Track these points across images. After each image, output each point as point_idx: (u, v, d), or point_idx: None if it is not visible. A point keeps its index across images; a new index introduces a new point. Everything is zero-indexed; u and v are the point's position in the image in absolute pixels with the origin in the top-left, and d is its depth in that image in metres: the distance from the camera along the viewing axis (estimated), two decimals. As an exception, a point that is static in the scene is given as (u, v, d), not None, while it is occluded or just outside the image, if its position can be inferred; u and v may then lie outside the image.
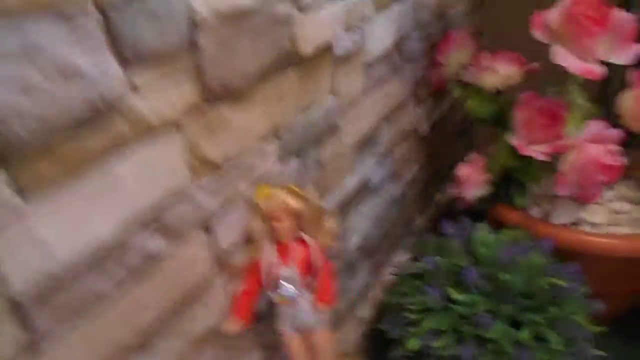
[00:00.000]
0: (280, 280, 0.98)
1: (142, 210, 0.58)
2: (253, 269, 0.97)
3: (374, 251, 1.53)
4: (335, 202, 1.26)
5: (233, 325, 0.91)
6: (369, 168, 1.35)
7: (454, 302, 1.17)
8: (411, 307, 1.23)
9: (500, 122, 1.40)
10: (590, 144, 1.11)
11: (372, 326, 1.48)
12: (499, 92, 1.49)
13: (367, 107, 1.26)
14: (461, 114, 2.02)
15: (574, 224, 1.32)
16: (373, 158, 1.35)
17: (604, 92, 1.39)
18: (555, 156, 1.16)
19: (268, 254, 0.96)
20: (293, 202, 0.93)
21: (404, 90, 1.49)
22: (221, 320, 0.87)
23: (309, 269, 1.01)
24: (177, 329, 0.72)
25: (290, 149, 0.96)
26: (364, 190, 1.38)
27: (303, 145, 0.99)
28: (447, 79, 1.69)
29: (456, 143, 1.98)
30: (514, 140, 1.31)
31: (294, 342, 1.11)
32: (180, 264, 0.71)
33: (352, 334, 1.41)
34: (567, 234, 1.23)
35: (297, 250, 0.98)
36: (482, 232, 1.29)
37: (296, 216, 0.94)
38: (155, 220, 0.61)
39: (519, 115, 1.30)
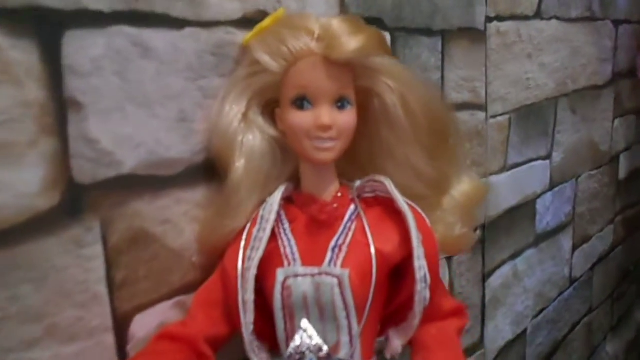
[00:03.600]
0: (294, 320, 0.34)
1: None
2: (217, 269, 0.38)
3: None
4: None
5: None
6: (534, 177, 0.82)
7: None
8: None
9: None
10: None
11: None
12: None
13: (539, 47, 0.76)
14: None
15: None
16: (541, 159, 0.83)
17: None
18: None
19: (264, 226, 0.36)
20: (356, 43, 0.34)
21: (600, 65, 0.96)
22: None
23: (384, 292, 0.37)
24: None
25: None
26: (524, 220, 0.81)
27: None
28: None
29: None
30: None
31: None
32: None
33: None
34: None
35: (358, 231, 0.36)
36: None
37: (369, 110, 0.37)
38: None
39: None
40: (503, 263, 0.74)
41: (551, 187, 0.85)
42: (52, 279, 0.30)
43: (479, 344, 0.71)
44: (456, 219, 0.39)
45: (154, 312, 0.35)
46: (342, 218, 0.35)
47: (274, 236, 0.35)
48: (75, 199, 0.30)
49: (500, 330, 0.76)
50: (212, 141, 0.36)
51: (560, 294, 0.94)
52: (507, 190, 0.72)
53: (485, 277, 0.71)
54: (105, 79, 0.31)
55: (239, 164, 0.35)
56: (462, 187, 0.40)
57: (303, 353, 0.31)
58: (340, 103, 0.34)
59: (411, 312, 0.34)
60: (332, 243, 0.33)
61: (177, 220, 0.35)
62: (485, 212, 0.68)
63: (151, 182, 0.34)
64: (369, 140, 0.37)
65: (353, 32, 0.33)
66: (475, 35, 0.62)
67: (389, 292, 0.36)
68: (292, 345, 0.32)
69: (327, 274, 0.32)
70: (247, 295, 0.33)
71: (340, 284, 0.32)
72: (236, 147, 0.35)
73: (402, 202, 0.34)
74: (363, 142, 0.37)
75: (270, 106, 0.36)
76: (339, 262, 0.33)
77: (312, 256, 0.33)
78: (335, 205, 0.35)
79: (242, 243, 0.34)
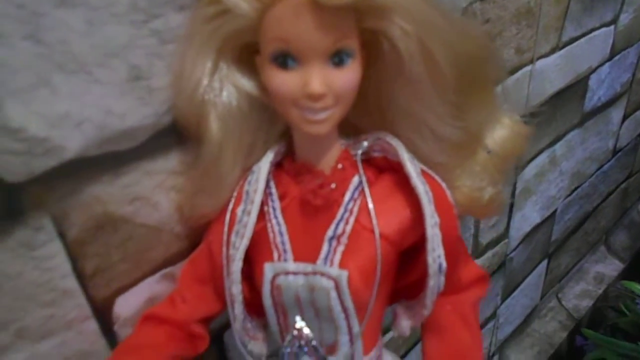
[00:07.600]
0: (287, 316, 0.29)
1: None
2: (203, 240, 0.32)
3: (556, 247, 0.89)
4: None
5: None
6: (593, 50, 0.67)
7: None
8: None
9: None
10: None
11: None
12: None
13: None
14: None
15: None
16: (604, 27, 0.67)
17: None
18: None
19: (249, 209, 0.29)
20: None
21: None
22: None
23: (391, 279, 0.31)
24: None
25: None
26: (571, 101, 0.69)
27: None
28: None
29: None
30: None
31: None
32: None
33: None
34: None
35: (361, 212, 0.28)
36: None
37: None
38: None
39: None
40: (539, 153, 0.67)
41: (611, 56, 0.72)
42: (7, 287, 0.26)
43: (504, 235, 0.69)
44: (487, 181, 0.32)
45: (138, 290, 0.32)
46: (343, 196, 0.28)
47: (262, 214, 0.29)
48: (11, 202, 0.25)
49: (527, 217, 0.72)
50: (176, 106, 0.28)
51: (600, 167, 0.88)
52: (555, 73, 0.61)
53: (517, 171, 0.65)
54: (12, 48, 0.22)
55: (214, 131, 0.27)
56: (499, 133, 0.32)
57: (297, 354, 0.29)
58: (337, 57, 0.25)
59: (422, 298, 0.30)
60: (330, 232, 0.27)
61: (149, 194, 0.30)
62: (525, 103, 0.59)
63: (108, 161, 0.27)
64: (378, 92, 0.28)
65: None
66: None
67: (400, 267, 0.31)
68: (286, 344, 0.29)
69: (323, 274, 0.27)
70: (233, 288, 0.29)
71: (337, 287, 0.27)
72: (208, 111, 0.27)
73: (415, 179, 0.27)
74: (371, 92, 0.28)
75: (248, 50, 0.27)
76: (337, 258, 0.27)
77: (306, 247, 0.28)
78: (333, 186, 0.28)
79: (226, 227, 0.29)
